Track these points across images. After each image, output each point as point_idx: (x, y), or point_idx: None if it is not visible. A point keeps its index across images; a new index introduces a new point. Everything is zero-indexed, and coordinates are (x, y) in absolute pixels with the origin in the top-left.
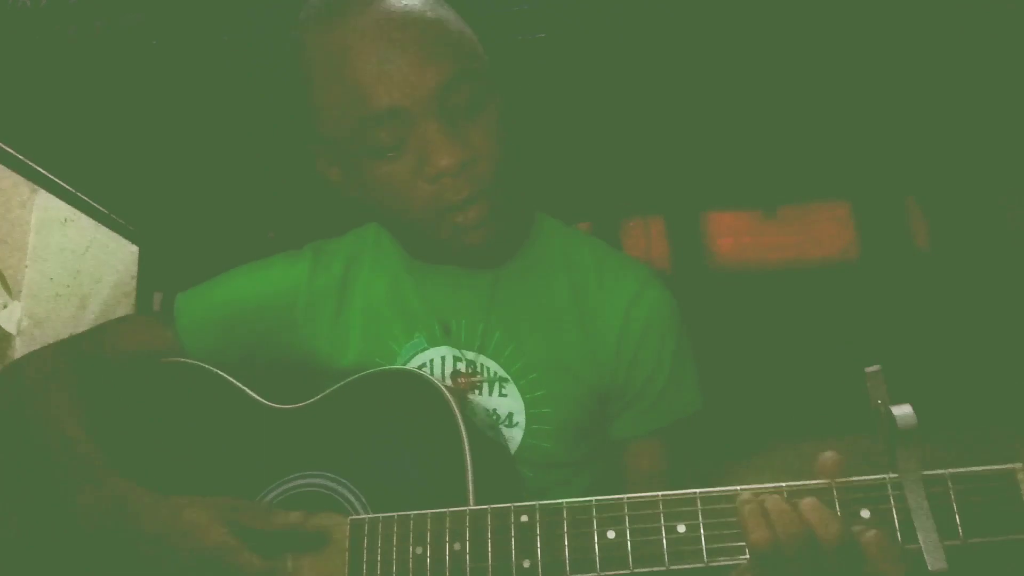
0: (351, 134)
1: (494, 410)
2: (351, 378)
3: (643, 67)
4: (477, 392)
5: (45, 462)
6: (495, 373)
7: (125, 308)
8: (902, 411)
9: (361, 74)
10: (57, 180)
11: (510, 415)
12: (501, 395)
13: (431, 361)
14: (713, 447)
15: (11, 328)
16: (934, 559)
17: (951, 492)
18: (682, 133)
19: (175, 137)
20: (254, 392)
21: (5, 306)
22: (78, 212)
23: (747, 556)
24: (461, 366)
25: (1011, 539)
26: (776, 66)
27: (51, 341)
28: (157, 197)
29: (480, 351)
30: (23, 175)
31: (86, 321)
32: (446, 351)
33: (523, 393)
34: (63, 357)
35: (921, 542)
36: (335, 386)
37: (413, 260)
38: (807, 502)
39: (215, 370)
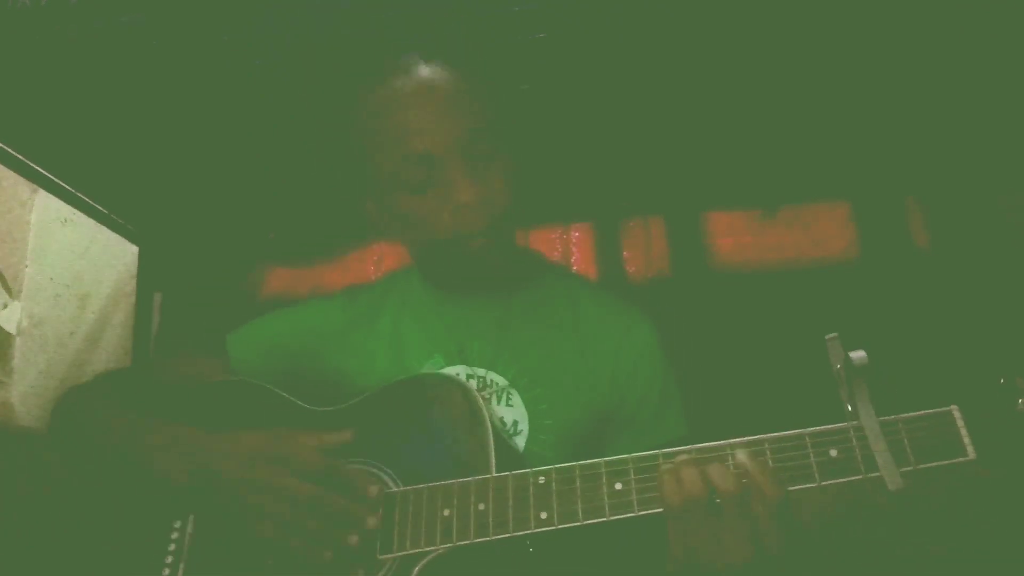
0: (390, 172)
1: (501, 418)
2: (387, 384)
3: (643, 67)
4: (497, 403)
5: (115, 437)
6: (502, 386)
7: (125, 308)
8: (856, 353)
9: (401, 124)
10: (57, 180)
11: (515, 423)
12: (508, 405)
13: None
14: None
15: (11, 328)
16: (892, 481)
17: (902, 431)
18: (682, 133)
19: (175, 137)
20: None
21: (5, 306)
22: (78, 212)
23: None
24: (473, 382)
25: (952, 463)
26: (776, 66)
27: (51, 341)
28: (157, 197)
29: (490, 368)
30: (23, 175)
31: (86, 321)
32: (460, 369)
33: (527, 404)
34: (124, 377)
35: (880, 468)
36: (373, 391)
37: (435, 292)
38: (712, 467)
39: (261, 384)
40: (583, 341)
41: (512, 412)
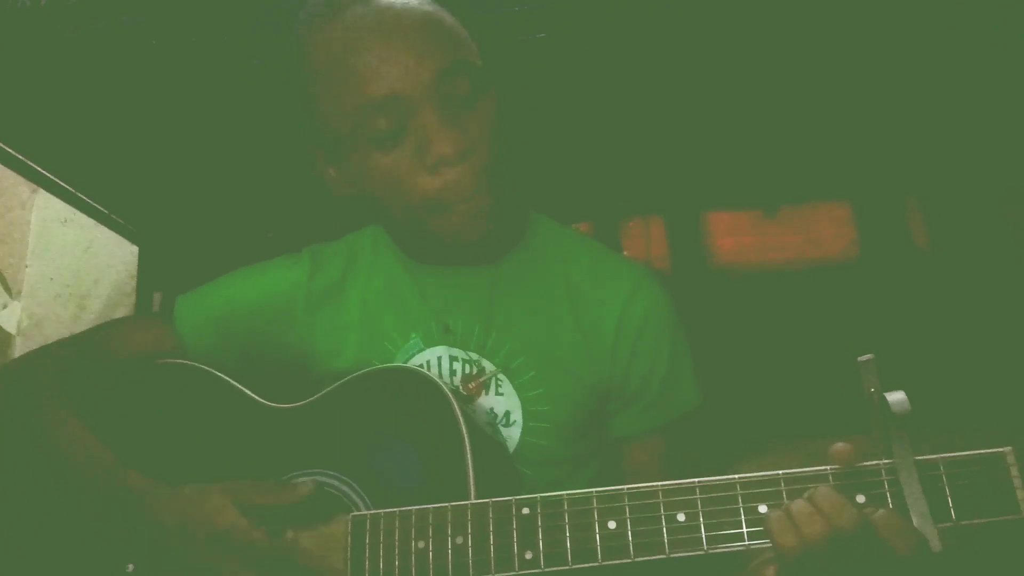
0: (351, 125)
1: (491, 409)
2: (350, 376)
3: (643, 67)
4: (485, 393)
5: (50, 463)
6: (491, 371)
7: (125, 308)
8: (896, 397)
9: (360, 64)
10: (57, 180)
11: (507, 414)
12: (498, 393)
13: (428, 362)
14: (713, 447)
15: (11, 328)
16: (928, 541)
17: (943, 476)
18: (682, 133)
19: (175, 137)
20: (253, 392)
21: (5, 306)
22: (78, 212)
23: (746, 542)
24: (458, 366)
25: (1001, 520)
26: (776, 66)
27: (51, 341)
28: (157, 197)
29: (479, 350)
30: (23, 175)
31: (86, 321)
32: (443, 351)
33: (519, 391)
34: (62, 359)
35: (915, 525)
36: (334, 385)
37: (410, 260)
38: (821, 492)
39: (213, 371)
40: (578, 311)
41: (503, 401)
